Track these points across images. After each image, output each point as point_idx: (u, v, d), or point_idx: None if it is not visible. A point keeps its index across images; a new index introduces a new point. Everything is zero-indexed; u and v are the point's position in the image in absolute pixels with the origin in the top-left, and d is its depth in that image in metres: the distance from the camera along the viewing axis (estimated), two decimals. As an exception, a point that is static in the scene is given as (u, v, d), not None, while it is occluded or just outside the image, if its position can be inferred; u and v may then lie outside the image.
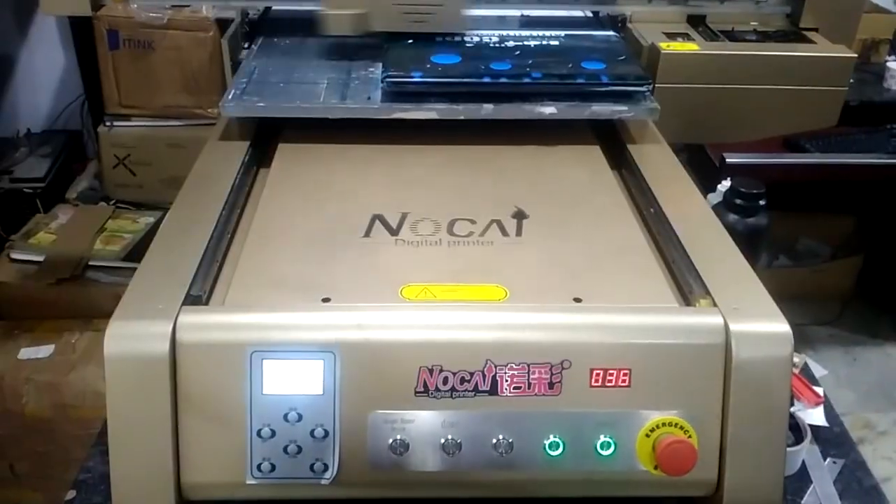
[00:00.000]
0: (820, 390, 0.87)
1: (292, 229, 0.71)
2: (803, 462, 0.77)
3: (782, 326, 0.60)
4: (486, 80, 0.87)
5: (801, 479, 0.76)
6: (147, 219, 1.64)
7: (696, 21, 1.16)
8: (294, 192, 0.78)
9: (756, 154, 1.51)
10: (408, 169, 0.83)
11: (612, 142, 0.90)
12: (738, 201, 0.94)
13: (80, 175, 1.82)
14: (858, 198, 1.96)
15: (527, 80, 0.87)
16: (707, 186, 1.17)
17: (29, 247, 1.52)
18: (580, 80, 0.88)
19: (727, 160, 1.49)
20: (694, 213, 0.75)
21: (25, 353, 1.34)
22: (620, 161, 0.87)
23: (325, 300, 0.61)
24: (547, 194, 0.79)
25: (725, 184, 1.03)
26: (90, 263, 1.46)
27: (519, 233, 0.71)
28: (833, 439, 0.81)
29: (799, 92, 1.03)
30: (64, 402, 1.32)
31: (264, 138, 0.89)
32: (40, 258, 1.46)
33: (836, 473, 0.77)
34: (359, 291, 0.62)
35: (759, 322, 0.60)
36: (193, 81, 1.67)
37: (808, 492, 0.75)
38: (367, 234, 0.70)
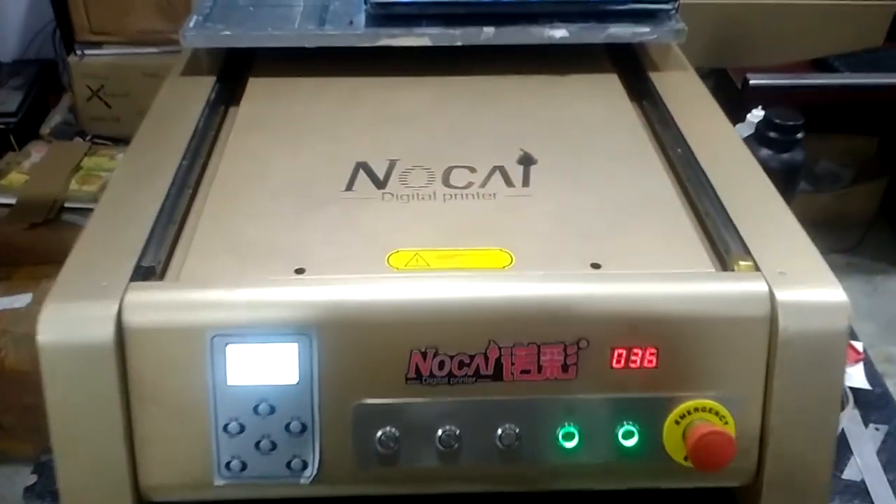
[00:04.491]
0: (860, 345, 0.79)
1: (263, 182, 0.61)
2: (842, 430, 0.70)
3: (837, 294, 0.51)
4: (487, -2, 0.75)
5: (840, 450, 0.68)
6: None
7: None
8: (265, 136, 0.67)
9: (782, 75, 1.38)
10: (397, 106, 0.72)
11: (632, 69, 0.79)
12: (773, 134, 0.83)
13: (55, 108, 1.71)
14: (883, 117, 1.83)
15: (534, -3, 0.75)
16: (730, 114, 1.05)
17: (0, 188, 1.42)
18: (595, -3, 0.76)
19: (751, 81, 1.36)
20: (728, 154, 0.65)
21: (1, 303, 1.26)
22: (641, 91, 0.76)
23: (299, 271, 0.52)
24: (558, 133, 0.68)
25: (756, 113, 0.92)
26: (65, 206, 1.37)
27: (526, 182, 0.61)
28: (874, 402, 0.73)
29: (840, 7, 0.91)
30: (47, 353, 1.25)
31: (233, 72, 0.78)
32: (12, 201, 1.37)
33: (880, 442, 0.69)
34: (339, 259, 0.53)
35: (809, 289, 0.51)
36: (167, 4, 1.53)
37: (849, 464, 0.67)
38: (349, 188, 0.60)
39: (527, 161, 0.64)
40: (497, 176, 0.62)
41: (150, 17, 1.55)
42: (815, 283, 0.51)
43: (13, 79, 1.77)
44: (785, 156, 0.83)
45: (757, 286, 0.51)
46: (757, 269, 0.52)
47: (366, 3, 0.75)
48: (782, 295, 0.50)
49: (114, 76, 1.58)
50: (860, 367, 0.77)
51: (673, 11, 0.78)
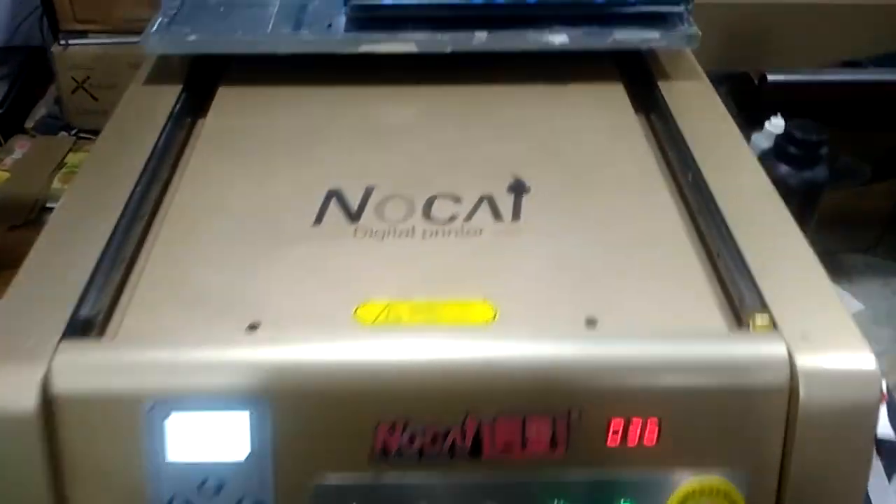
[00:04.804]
0: (882, 384, 0.72)
1: (222, 214, 0.55)
2: (865, 485, 0.63)
3: (868, 360, 0.44)
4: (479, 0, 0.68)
5: (861, 507, 0.62)
6: (113, 150, 1.47)
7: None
8: (230, 157, 0.61)
9: (802, 71, 1.29)
10: (378, 120, 0.65)
11: (640, 77, 0.72)
12: (793, 150, 0.76)
13: (40, 101, 1.64)
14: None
15: (531, -1, 0.68)
16: (748, 118, 0.99)
17: (-21, 188, 1.37)
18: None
19: (769, 78, 1.28)
20: (745, 182, 0.58)
21: (-21, 309, 1.21)
22: (649, 103, 0.69)
23: (253, 327, 0.46)
24: (554, 155, 0.62)
25: (776, 122, 0.85)
26: (47, 206, 1.31)
27: (516, 215, 0.55)
28: (900, 450, 0.67)
29: (868, 8, 0.83)
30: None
31: (202, 80, 0.71)
32: (-8, 201, 1.31)
33: (906, 499, 0.63)
34: (299, 313, 0.47)
35: (836, 353, 0.44)
36: (154, -10, 1.45)
37: (870, 523, 0.61)
38: (318, 221, 0.54)
39: (518, 189, 0.57)
40: (484, 207, 0.55)
41: (136, 4, 1.48)
42: (843, 347, 0.45)
43: (-1, 68, 1.71)
44: (806, 173, 0.76)
45: (774, 349, 0.44)
46: (775, 326, 0.46)
47: (345, 3, 0.68)
48: (804, 360, 0.44)
49: (100, 67, 1.51)
50: (883, 410, 0.70)
51: (686, 14, 0.70)
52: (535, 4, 0.68)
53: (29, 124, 1.57)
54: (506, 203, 0.56)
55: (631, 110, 0.67)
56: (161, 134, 0.63)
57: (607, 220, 0.55)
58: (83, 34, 1.51)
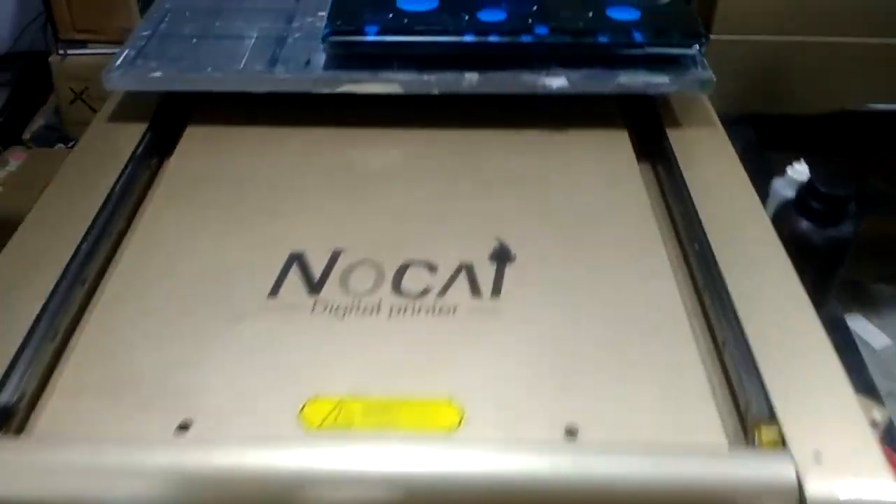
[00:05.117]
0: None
1: (170, 281, 0.50)
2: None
3: (889, 490, 0.38)
4: (470, 38, 0.62)
5: None
6: (111, 163, 1.43)
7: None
8: (188, 211, 0.56)
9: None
10: (354, 169, 0.60)
11: (647, 123, 0.66)
12: (817, 205, 0.69)
13: (40, 110, 1.60)
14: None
15: (527, 37, 0.62)
16: (769, 152, 0.92)
17: (-31, 203, 1.33)
18: (603, 39, 0.63)
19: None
20: (758, 257, 0.51)
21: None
22: (656, 155, 0.63)
23: (183, 427, 0.40)
24: (545, 214, 0.56)
25: (798, 169, 0.78)
26: (37, 223, 1.27)
27: (496, 290, 0.49)
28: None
29: (889, 48, 0.76)
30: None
31: (171, 117, 0.66)
32: (-19, 217, 1.28)
33: None
34: (237, 409, 0.41)
35: (851, 480, 0.38)
36: (155, 1, 1.41)
37: None
38: (274, 292, 0.49)
39: (502, 257, 0.51)
40: (462, 279, 0.50)
41: (137, 14, 1.43)
42: (861, 471, 0.38)
43: (1, 74, 1.67)
44: (830, 231, 0.69)
45: (781, 471, 0.38)
46: (784, 442, 0.39)
47: (323, 40, 0.62)
48: (815, 487, 0.37)
49: (98, 78, 1.47)
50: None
51: (700, 55, 0.64)
52: (532, 44, 0.62)
53: (26, 135, 1.53)
54: (486, 274, 0.50)
55: (634, 162, 0.61)
56: (118, 180, 0.58)
57: (599, 299, 0.48)
58: (82, 44, 1.47)
